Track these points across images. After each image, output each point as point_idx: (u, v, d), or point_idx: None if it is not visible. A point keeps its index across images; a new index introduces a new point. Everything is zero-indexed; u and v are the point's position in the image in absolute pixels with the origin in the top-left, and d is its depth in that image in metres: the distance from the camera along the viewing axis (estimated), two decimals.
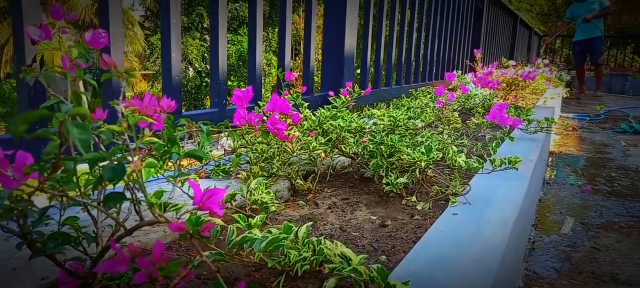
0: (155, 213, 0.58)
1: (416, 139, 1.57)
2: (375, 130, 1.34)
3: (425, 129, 1.75)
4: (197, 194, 0.57)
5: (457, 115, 2.00)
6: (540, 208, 2.31)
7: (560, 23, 8.67)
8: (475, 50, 3.63)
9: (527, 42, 8.97)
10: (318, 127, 1.32)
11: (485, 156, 1.63)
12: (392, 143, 1.22)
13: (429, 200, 1.19)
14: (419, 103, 2.02)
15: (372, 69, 2.60)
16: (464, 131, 2.07)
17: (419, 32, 3.26)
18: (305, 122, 1.32)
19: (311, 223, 0.92)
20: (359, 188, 1.34)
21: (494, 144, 1.45)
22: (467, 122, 2.16)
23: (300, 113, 1.41)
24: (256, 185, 1.08)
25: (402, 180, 1.18)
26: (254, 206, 1.05)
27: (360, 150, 1.38)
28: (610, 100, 7.45)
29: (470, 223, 1.02)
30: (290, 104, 1.11)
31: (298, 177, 1.27)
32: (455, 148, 1.70)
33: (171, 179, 0.83)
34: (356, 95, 1.45)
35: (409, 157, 1.17)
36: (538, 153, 1.76)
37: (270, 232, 0.80)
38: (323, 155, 1.29)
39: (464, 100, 2.39)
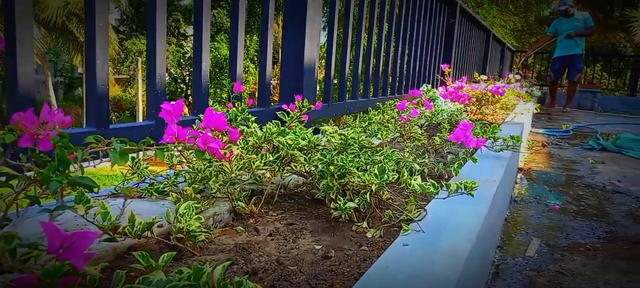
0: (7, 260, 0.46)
1: (374, 158, 1.47)
2: (327, 148, 1.24)
3: (386, 146, 1.66)
4: (54, 240, 0.45)
5: (422, 131, 1.92)
6: (507, 227, 2.25)
7: (541, 37, 8.80)
8: (444, 64, 3.60)
9: (500, 56, 9.10)
10: (265, 144, 1.21)
11: (445, 178, 1.55)
12: (342, 163, 1.12)
13: (380, 227, 1.09)
14: (385, 117, 1.93)
15: (336, 80, 2.51)
16: (428, 148, 2.00)
17: (388, 45, 3.20)
18: (250, 138, 1.21)
19: (230, 262, 0.80)
20: (307, 212, 1.23)
21: (456, 165, 1.37)
22: (434, 138, 2.08)
23: (248, 127, 1.29)
24: (185, 210, 0.95)
25: (351, 204, 1.07)
26: (180, 235, 0.93)
27: (312, 169, 1.28)
28: (579, 116, 7.59)
29: (421, 255, 0.92)
30: (227, 120, 0.99)
31: (239, 199, 1.15)
32: (417, 166, 1.61)
33: (50, 211, 0.70)
34: (306, 109, 1.34)
35: (359, 179, 1.07)
36: (502, 173, 1.69)
37: (180, 271, 0.68)
38: (269, 175, 1.18)
39: (430, 115, 2.32)
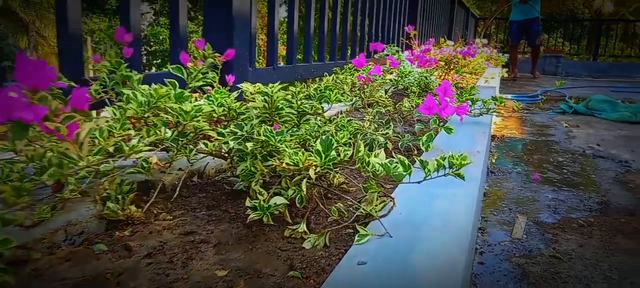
0: None
1: (324, 129, 1.09)
2: (248, 116, 0.85)
3: (342, 115, 1.28)
4: None
5: (386, 95, 1.55)
6: (486, 204, 1.94)
7: (499, 3, 8.64)
8: (409, 26, 3.25)
9: (464, 22, 8.86)
10: (149, 113, 0.80)
11: (415, 154, 1.20)
12: (266, 137, 0.73)
13: (325, 232, 0.71)
14: (339, 78, 1.55)
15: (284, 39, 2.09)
16: (394, 116, 1.63)
17: (345, 1, 2.80)
18: (131, 106, 0.80)
19: None
20: (222, 210, 0.84)
21: (424, 138, 1.01)
22: (400, 104, 1.72)
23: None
24: None
25: (278, 201, 0.69)
26: None
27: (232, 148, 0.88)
28: (545, 81, 7.48)
29: (386, 284, 0.55)
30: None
31: (110, 200, 0.74)
32: (380, 139, 1.24)
33: None
34: (210, 60, 0.93)
35: (290, 160, 0.68)
36: (486, 142, 1.34)
37: None
38: (155, 159, 0.78)
39: (396, 79, 1.95)
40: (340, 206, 0.77)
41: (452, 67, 3.24)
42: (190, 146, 0.91)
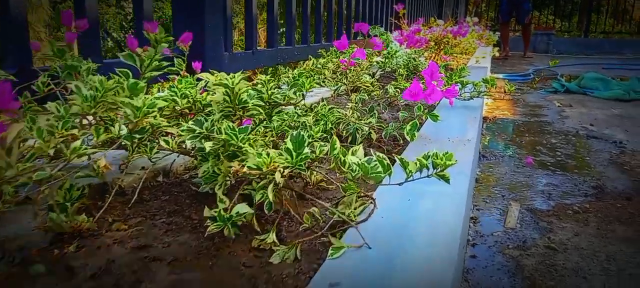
0: None
1: (300, 121, 1.00)
2: (211, 110, 0.75)
3: (323, 103, 1.19)
4: None
5: (371, 79, 1.46)
6: (478, 190, 1.87)
7: None
8: (398, 5, 3.13)
9: (455, 1, 8.71)
10: (96, 108, 0.70)
11: (400, 144, 1.11)
12: (228, 136, 0.63)
13: (296, 243, 0.63)
14: (319, 63, 1.45)
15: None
16: (380, 102, 1.54)
17: None
18: (75, 101, 0.70)
19: None
20: (184, 216, 0.75)
21: (408, 127, 0.92)
22: (387, 87, 1.63)
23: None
24: None
25: (242, 210, 0.60)
26: None
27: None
28: (537, 60, 7.40)
29: None
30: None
31: (54, 209, 0.65)
32: (364, 128, 1.15)
33: None
34: (162, 44, 0.82)
35: (253, 164, 0.59)
36: (477, 128, 1.26)
37: None
38: (104, 163, 0.69)
39: (383, 61, 1.85)
40: (315, 211, 0.68)
41: (442, 47, 3.14)
42: (150, 143, 0.81)
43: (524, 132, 2.78)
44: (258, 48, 1.79)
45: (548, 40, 8.70)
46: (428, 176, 0.60)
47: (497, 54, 5.94)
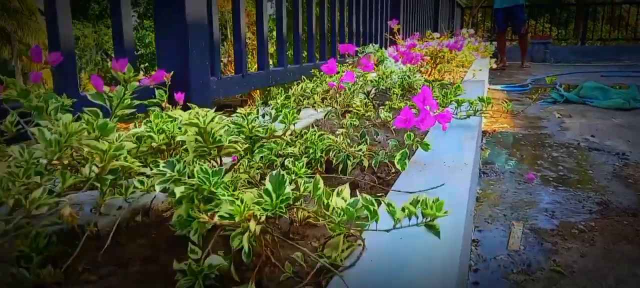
0: None
1: (287, 151, 0.95)
2: (187, 148, 0.70)
3: (312, 130, 1.14)
4: None
5: (364, 99, 1.41)
6: (479, 210, 1.81)
7: None
8: (393, 20, 3.10)
9: (450, 12, 8.73)
10: (61, 153, 0.65)
11: (393, 173, 1.06)
12: (199, 180, 0.58)
13: None
14: (308, 86, 1.41)
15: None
16: (376, 123, 1.49)
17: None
18: (38, 146, 0.65)
19: None
20: (159, 264, 0.70)
21: (398, 156, 0.87)
22: (380, 110, 1.58)
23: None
24: None
25: (215, 261, 0.55)
26: None
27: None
28: (534, 69, 7.38)
29: None
30: None
31: (23, 260, 0.60)
32: (358, 154, 1.10)
33: None
34: (130, 77, 0.77)
35: (226, 212, 0.54)
36: (475, 149, 1.21)
37: None
38: (69, 211, 0.64)
39: (377, 79, 1.81)
40: (298, 256, 0.63)
41: (438, 61, 3.11)
42: (126, 182, 0.76)
43: (525, 145, 2.73)
44: (248, 71, 1.75)
45: (545, 49, 8.70)
46: (417, 224, 0.55)
47: (494, 65, 5.91)
